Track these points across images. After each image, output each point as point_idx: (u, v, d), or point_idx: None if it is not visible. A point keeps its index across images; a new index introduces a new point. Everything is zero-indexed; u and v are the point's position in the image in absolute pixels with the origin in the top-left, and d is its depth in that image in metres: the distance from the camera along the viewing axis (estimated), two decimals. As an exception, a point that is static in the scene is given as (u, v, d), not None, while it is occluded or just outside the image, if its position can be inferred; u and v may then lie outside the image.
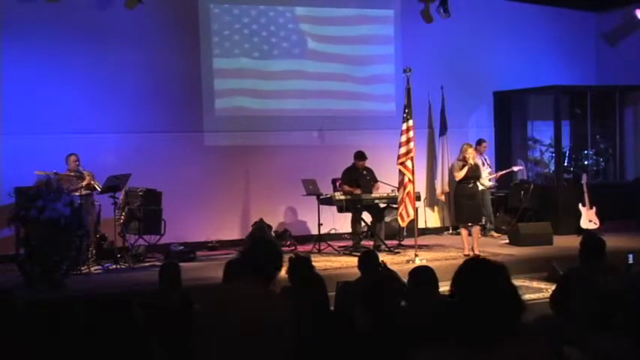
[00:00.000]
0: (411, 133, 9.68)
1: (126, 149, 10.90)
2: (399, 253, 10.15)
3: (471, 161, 9.80)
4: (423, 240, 10.97)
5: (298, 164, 11.46)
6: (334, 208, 10.63)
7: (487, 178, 11.76)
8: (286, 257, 4.34)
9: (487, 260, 2.36)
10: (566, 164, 12.95)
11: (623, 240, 9.68)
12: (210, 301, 3.47)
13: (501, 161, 12.92)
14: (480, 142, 12.04)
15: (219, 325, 3.28)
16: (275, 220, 11.54)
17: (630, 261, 7.22)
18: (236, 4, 11.76)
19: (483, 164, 11.90)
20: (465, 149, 9.93)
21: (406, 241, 10.69)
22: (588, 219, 11.57)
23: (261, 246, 3.58)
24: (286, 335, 3.28)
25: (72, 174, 9.76)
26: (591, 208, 11.61)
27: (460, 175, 9.81)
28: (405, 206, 9.64)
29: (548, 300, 5.32)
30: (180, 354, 4.29)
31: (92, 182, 9.77)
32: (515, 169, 12.53)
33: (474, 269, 2.27)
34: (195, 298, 3.52)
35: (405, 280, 5.07)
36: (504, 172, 12.32)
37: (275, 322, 3.27)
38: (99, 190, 9.79)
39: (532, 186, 12.21)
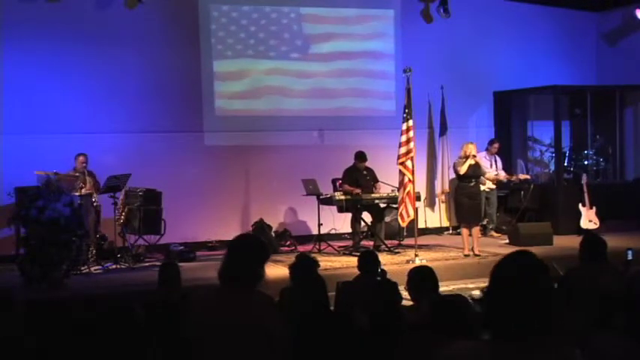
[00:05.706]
0: (411, 133, 9.68)
1: (126, 149, 10.89)
2: (399, 253, 10.15)
3: (473, 153, 9.77)
4: (423, 240, 10.97)
5: (298, 164, 11.46)
6: (334, 208, 10.63)
7: (490, 180, 11.72)
8: (285, 257, 4.31)
9: (531, 255, 2.27)
10: (566, 164, 12.92)
11: (623, 240, 9.66)
12: (204, 305, 3.45)
13: (501, 161, 12.91)
14: (490, 143, 12.05)
15: (212, 329, 3.26)
16: (275, 220, 11.54)
17: (629, 257, 7.19)
18: (236, 5, 11.76)
19: (491, 165, 11.89)
20: (464, 145, 9.94)
21: (406, 241, 10.69)
22: (588, 219, 11.57)
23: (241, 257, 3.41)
24: (279, 340, 3.26)
25: (74, 175, 9.72)
26: (591, 208, 11.60)
27: (463, 169, 9.79)
28: (405, 206, 9.64)
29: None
30: (179, 354, 4.29)
31: (92, 190, 9.74)
32: (521, 177, 12.48)
33: (516, 264, 2.21)
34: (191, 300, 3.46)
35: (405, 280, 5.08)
36: (510, 178, 12.26)
37: (265, 327, 3.25)
38: (99, 191, 9.79)
39: (532, 186, 12.20)
